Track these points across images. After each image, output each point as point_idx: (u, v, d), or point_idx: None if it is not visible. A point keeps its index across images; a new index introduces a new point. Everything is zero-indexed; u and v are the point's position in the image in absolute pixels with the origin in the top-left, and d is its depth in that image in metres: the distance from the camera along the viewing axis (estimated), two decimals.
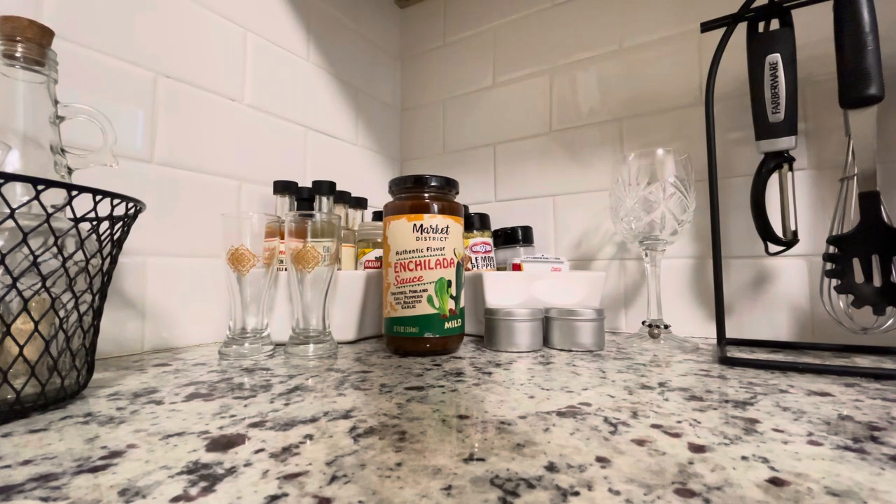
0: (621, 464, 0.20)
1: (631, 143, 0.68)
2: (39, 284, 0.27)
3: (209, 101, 0.57)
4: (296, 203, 0.59)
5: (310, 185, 0.62)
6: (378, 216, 0.70)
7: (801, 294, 0.56)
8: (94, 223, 0.30)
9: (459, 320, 0.48)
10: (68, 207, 0.28)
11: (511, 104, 0.80)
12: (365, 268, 0.61)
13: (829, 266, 0.45)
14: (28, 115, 0.30)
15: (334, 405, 0.29)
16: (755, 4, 0.50)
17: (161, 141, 0.51)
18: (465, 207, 0.74)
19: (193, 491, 0.18)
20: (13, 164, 0.29)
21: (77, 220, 0.29)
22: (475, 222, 0.65)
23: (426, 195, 0.48)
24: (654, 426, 0.25)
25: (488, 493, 0.18)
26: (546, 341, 0.53)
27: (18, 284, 0.26)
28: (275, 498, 0.17)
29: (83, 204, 0.29)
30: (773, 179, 0.51)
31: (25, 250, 0.26)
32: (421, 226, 0.46)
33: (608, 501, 0.17)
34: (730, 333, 0.57)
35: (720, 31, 0.52)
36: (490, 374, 0.39)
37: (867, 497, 0.17)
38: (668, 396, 0.31)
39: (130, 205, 0.32)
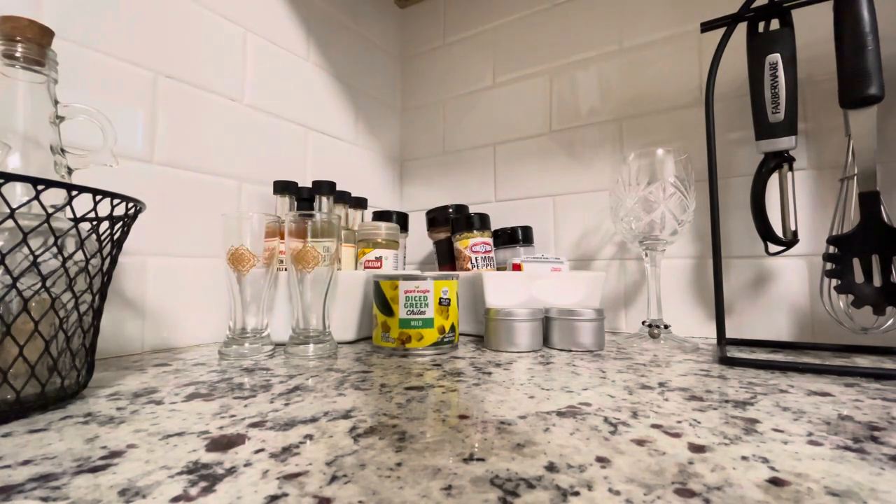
0: (621, 464, 0.20)
1: (631, 143, 0.68)
2: (39, 284, 0.27)
3: (209, 101, 0.57)
4: (296, 203, 0.59)
5: (310, 185, 0.62)
6: (378, 216, 0.70)
7: (801, 294, 0.56)
8: (94, 223, 0.30)
9: None
10: (68, 207, 0.28)
11: (511, 104, 0.80)
12: (365, 268, 0.61)
13: (829, 266, 0.45)
14: (28, 115, 0.30)
15: (334, 405, 0.29)
16: (755, 4, 0.50)
17: (161, 141, 0.51)
18: (465, 207, 0.74)
19: (193, 491, 0.18)
20: (13, 164, 0.29)
21: (77, 220, 0.29)
22: (475, 222, 0.65)
23: None
24: (654, 426, 0.25)
25: (488, 493, 0.18)
26: (546, 341, 0.53)
27: (18, 284, 0.26)
28: (275, 498, 0.17)
29: (83, 204, 0.29)
30: (773, 179, 0.51)
31: (25, 250, 0.26)
32: None
33: (608, 501, 0.17)
34: (730, 333, 0.57)
35: (720, 31, 0.52)
36: (490, 374, 0.39)
37: (867, 497, 0.17)
38: (668, 396, 0.31)
39: (130, 205, 0.32)
